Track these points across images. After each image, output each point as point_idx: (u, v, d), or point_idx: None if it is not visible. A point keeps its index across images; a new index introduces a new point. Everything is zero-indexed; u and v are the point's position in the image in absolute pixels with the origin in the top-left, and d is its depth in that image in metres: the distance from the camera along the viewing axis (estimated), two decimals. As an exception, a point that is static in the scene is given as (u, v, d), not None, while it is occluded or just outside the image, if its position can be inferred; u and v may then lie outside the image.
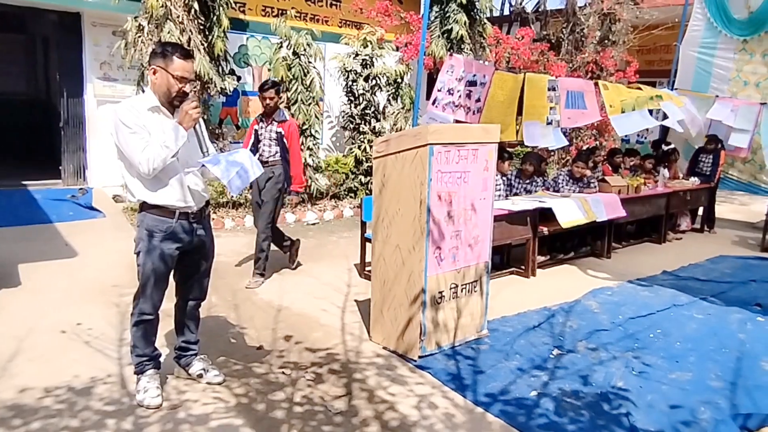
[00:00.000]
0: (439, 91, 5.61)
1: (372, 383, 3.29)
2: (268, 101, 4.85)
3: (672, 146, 8.29)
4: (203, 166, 2.85)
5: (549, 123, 6.43)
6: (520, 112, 6.31)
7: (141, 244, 2.86)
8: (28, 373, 3.20)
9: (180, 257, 2.98)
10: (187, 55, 2.82)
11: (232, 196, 7.40)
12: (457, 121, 5.71)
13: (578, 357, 3.74)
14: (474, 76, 5.81)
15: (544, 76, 6.66)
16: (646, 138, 8.60)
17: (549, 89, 6.36)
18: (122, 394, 3.03)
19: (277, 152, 4.91)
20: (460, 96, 5.74)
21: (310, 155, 7.92)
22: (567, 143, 7.07)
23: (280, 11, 8.83)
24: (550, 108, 6.40)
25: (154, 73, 2.81)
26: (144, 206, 2.87)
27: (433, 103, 5.61)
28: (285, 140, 4.91)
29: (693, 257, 6.52)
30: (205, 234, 3.04)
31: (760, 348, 3.93)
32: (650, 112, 7.30)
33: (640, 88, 7.41)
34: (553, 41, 10.58)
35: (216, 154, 2.91)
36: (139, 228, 2.88)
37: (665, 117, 7.58)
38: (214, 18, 7.01)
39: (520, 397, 3.18)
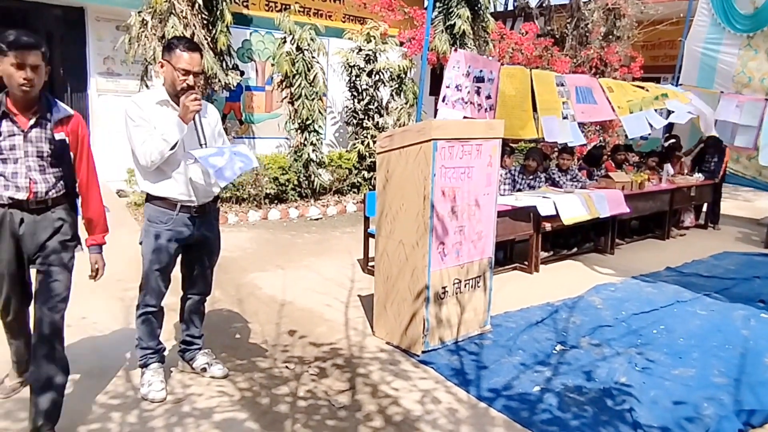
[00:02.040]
0: (447, 87, 5.56)
1: (375, 378, 3.30)
2: (29, 75, 2.36)
3: (672, 141, 8.26)
4: (194, 157, 2.77)
5: (565, 117, 6.39)
6: (534, 108, 6.27)
7: (144, 234, 2.91)
8: (34, 367, 3.20)
9: (184, 251, 3.00)
10: (192, 48, 2.82)
11: (236, 192, 7.41)
12: (467, 119, 5.67)
13: (581, 353, 3.74)
14: (480, 71, 5.77)
15: (550, 73, 6.63)
16: (650, 134, 8.57)
17: (558, 84, 6.33)
18: (127, 387, 3.04)
19: (58, 179, 2.58)
20: (468, 92, 5.70)
21: (314, 150, 7.92)
22: (584, 141, 7.02)
23: (284, 6, 8.81)
24: (563, 102, 6.37)
25: (162, 66, 2.83)
26: (148, 197, 2.91)
27: (443, 100, 5.55)
28: (72, 154, 2.61)
29: (697, 253, 6.50)
30: (208, 230, 3.03)
31: (764, 344, 3.92)
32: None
33: (643, 87, 7.37)
34: (557, 37, 10.53)
35: (204, 149, 2.82)
36: (144, 219, 2.92)
37: (670, 114, 7.55)
38: (218, 13, 7.00)
39: (524, 392, 3.19)
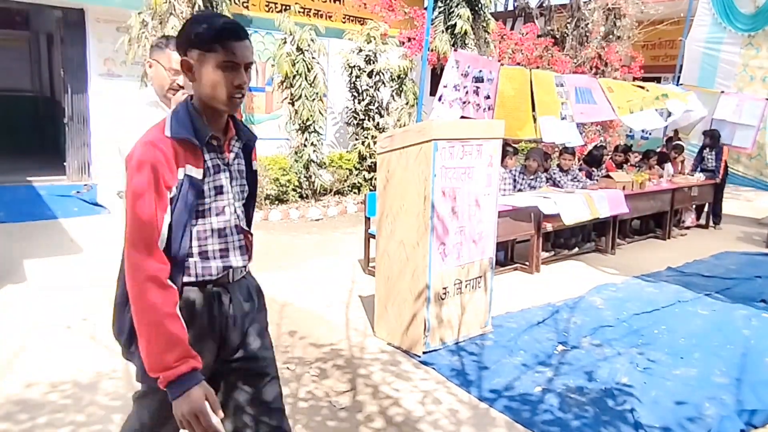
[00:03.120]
0: (444, 87, 5.56)
1: (376, 379, 3.30)
2: (243, 79, 1.58)
3: (673, 142, 8.25)
4: None
5: (563, 118, 6.39)
6: (534, 109, 6.27)
7: None
8: (34, 368, 3.21)
9: None
10: None
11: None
12: (465, 118, 5.67)
13: (582, 353, 3.73)
14: (480, 72, 5.77)
15: (550, 73, 6.63)
16: (650, 134, 8.60)
17: (557, 85, 6.33)
18: (128, 389, 3.03)
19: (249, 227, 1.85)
20: (467, 92, 5.70)
21: (314, 151, 7.92)
22: (582, 142, 7.02)
23: (284, 7, 8.81)
24: (562, 103, 6.37)
25: (150, 66, 2.78)
26: None
27: (439, 99, 5.55)
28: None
29: (698, 253, 6.49)
30: None
31: (765, 344, 3.92)
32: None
33: (643, 87, 7.37)
34: (557, 37, 10.53)
35: None
36: None
37: (669, 115, 7.56)
38: (218, 14, 7.00)
39: (525, 392, 3.18)
